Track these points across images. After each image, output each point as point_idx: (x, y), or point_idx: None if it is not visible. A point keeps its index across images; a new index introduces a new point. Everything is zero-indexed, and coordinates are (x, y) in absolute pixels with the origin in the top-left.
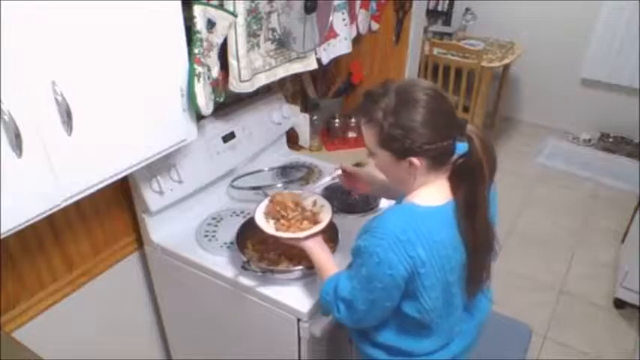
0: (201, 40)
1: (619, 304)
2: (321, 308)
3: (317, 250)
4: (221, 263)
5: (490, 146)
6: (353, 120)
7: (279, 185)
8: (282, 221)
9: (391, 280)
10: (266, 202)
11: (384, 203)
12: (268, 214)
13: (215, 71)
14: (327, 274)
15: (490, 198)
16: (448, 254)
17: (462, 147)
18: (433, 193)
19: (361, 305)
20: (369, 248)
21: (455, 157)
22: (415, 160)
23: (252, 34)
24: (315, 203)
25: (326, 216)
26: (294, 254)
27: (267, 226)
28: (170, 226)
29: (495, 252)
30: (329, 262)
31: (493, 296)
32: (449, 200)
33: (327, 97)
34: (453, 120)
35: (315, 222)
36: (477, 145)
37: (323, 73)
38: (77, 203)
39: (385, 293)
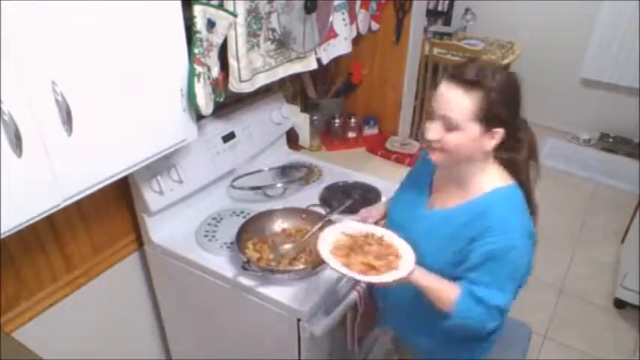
0: (201, 40)
1: (619, 304)
2: (458, 328)
3: (424, 277)
4: (221, 263)
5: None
6: (353, 120)
7: (279, 185)
8: (376, 264)
9: (529, 261)
10: (332, 237)
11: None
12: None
13: (215, 71)
14: (451, 293)
15: None
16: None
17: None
18: (498, 172)
19: (512, 297)
20: (506, 243)
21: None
22: (501, 130)
23: (252, 34)
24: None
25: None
26: (294, 254)
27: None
28: (170, 226)
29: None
30: (443, 282)
31: None
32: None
33: (327, 97)
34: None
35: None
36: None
37: (323, 73)
38: (77, 203)
39: (524, 276)
